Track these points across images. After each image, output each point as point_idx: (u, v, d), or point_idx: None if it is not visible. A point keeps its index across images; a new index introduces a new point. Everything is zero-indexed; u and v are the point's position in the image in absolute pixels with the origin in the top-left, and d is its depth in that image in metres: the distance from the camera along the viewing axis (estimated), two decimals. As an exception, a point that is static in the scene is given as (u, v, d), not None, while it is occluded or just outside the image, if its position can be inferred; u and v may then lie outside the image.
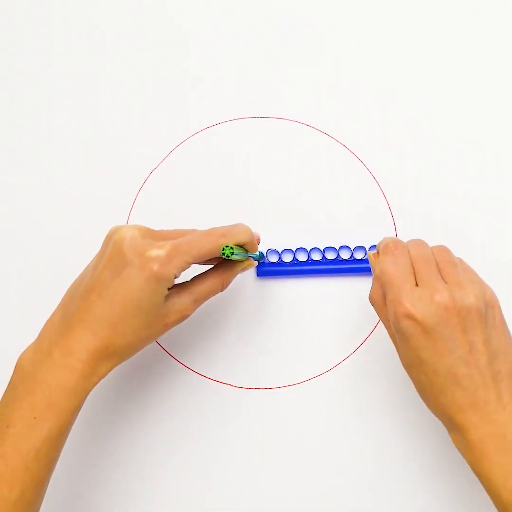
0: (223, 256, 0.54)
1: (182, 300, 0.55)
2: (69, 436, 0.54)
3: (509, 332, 0.52)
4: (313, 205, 0.66)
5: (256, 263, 0.61)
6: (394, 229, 0.66)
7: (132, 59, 0.68)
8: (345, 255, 0.65)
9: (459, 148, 0.66)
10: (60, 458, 0.54)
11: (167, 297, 0.54)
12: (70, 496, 0.65)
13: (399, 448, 0.64)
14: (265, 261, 0.65)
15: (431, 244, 0.56)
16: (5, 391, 0.54)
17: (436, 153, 0.66)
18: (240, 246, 0.56)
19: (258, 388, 0.65)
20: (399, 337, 0.52)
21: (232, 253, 0.54)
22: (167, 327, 0.55)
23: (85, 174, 0.68)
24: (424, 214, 0.65)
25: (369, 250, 0.65)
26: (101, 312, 0.52)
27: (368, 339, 0.65)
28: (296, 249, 0.66)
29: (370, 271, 0.58)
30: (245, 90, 0.68)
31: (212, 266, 0.58)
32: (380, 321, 0.63)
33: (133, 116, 0.68)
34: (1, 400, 0.54)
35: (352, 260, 0.65)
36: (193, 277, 0.57)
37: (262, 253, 0.65)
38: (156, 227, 0.56)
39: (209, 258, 0.55)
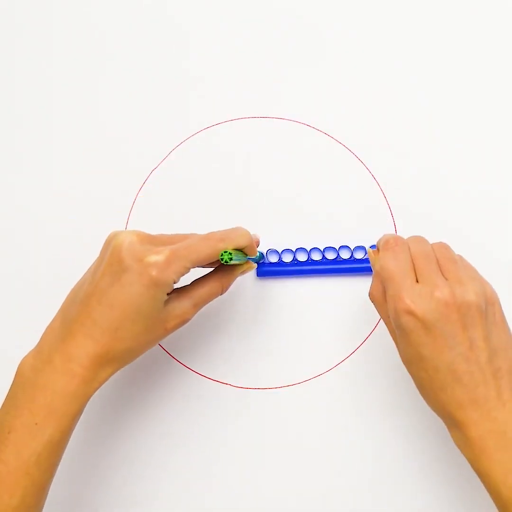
0: (222, 262, 0.54)
1: (182, 305, 0.55)
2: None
3: (509, 329, 0.52)
4: (313, 205, 0.66)
5: (255, 265, 0.61)
6: (394, 229, 0.66)
7: (132, 59, 0.69)
8: (345, 255, 0.65)
9: (459, 148, 0.66)
10: (60, 458, 0.54)
11: (166, 302, 0.54)
12: (71, 496, 0.64)
13: (399, 448, 0.64)
14: (265, 261, 0.65)
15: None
16: (6, 398, 0.54)
17: (436, 153, 0.66)
18: (239, 249, 0.56)
19: (258, 388, 0.65)
20: (399, 333, 0.52)
21: (231, 259, 0.54)
22: (167, 331, 0.55)
23: (85, 174, 0.68)
24: (424, 214, 0.65)
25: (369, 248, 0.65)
26: (101, 317, 0.52)
27: (368, 339, 0.65)
28: (296, 249, 0.66)
29: (370, 270, 0.58)
30: (245, 90, 0.68)
31: (212, 269, 0.58)
32: (380, 319, 0.63)
33: (133, 116, 0.68)
34: (2, 406, 0.54)
35: (352, 260, 0.65)
36: (193, 281, 0.57)
37: (262, 253, 0.65)
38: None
39: (208, 262, 0.55)
